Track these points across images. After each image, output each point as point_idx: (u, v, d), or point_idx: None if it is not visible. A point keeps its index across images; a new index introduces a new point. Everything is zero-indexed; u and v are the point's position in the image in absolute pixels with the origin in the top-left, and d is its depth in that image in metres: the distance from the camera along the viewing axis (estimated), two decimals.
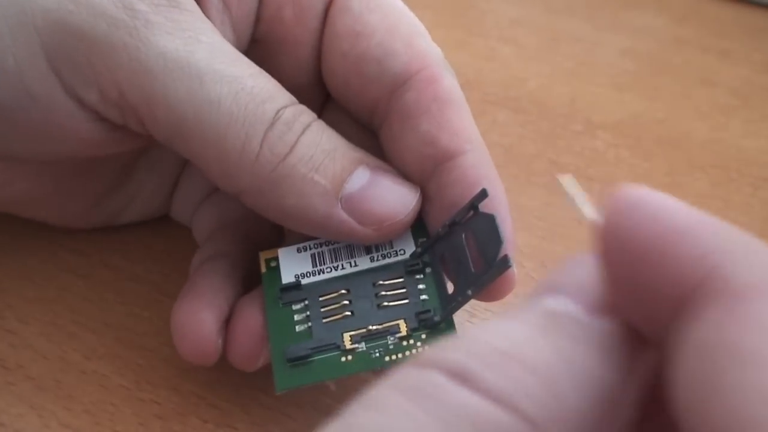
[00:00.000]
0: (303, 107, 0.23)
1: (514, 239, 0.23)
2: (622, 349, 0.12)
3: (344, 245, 0.24)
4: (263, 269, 0.24)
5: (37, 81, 0.22)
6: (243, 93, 0.21)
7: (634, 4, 0.43)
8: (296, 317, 0.23)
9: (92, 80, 0.22)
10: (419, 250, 0.23)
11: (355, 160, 0.23)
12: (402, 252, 0.23)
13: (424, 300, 0.22)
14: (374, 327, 0.22)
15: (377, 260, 0.23)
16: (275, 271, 0.24)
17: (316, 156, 0.22)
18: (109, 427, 0.24)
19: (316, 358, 0.22)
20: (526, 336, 0.12)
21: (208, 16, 0.23)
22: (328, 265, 0.23)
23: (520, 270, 0.28)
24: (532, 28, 0.42)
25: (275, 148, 0.22)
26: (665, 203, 0.12)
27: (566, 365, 0.12)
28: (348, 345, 0.22)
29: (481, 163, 0.23)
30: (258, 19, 0.24)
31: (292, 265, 0.24)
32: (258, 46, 0.25)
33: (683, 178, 0.33)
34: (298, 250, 0.24)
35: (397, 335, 0.22)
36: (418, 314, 0.22)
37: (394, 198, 0.23)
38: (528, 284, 0.27)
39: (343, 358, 0.22)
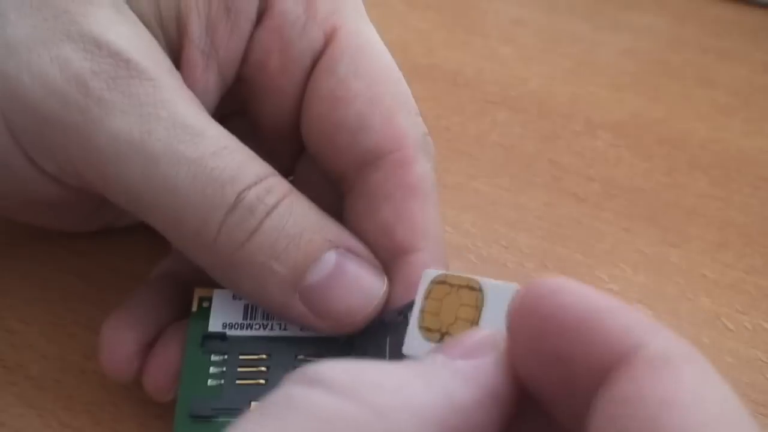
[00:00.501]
0: (274, 182, 0.21)
1: None
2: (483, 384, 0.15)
3: None
4: (194, 308, 0.23)
5: (1, 147, 0.21)
6: (202, 176, 0.20)
7: (634, 4, 0.43)
8: (212, 369, 0.22)
9: (48, 154, 0.21)
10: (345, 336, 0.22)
11: (323, 245, 0.21)
12: None
13: None
14: None
15: (306, 330, 0.22)
16: (205, 313, 0.23)
17: (278, 242, 0.21)
18: (109, 427, 0.24)
19: (219, 419, 0.21)
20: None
21: (190, 59, 0.23)
22: (258, 322, 0.23)
23: (520, 270, 0.29)
24: (532, 28, 0.42)
25: (233, 234, 0.21)
26: (584, 289, 0.14)
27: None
28: None
29: (435, 262, 0.22)
30: (244, 60, 0.24)
31: (224, 312, 0.23)
32: (243, 85, 0.24)
33: (683, 178, 0.33)
34: (234, 296, 0.23)
35: None
36: None
37: (357, 293, 0.21)
38: None
39: None
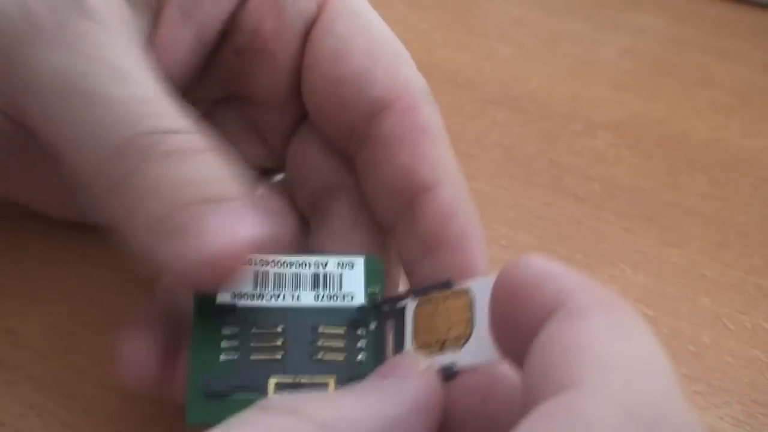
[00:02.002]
0: (180, 137, 0.21)
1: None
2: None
3: (290, 271, 0.22)
4: None
5: None
6: (110, 116, 0.20)
7: (634, 4, 0.43)
8: (224, 344, 0.21)
9: None
10: (367, 304, 0.22)
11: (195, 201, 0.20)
12: (350, 298, 0.22)
13: (360, 362, 0.21)
14: (303, 380, 0.20)
15: (322, 300, 0.22)
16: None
17: (148, 191, 0.20)
18: (109, 427, 0.24)
19: (235, 397, 0.20)
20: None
21: (168, 15, 0.23)
22: (270, 292, 0.22)
23: None
24: (532, 28, 0.42)
25: (112, 174, 0.20)
26: (542, 263, 0.17)
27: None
28: (271, 393, 0.20)
29: (458, 195, 0.22)
30: (238, 29, 0.24)
31: (232, 281, 0.22)
32: (237, 59, 0.25)
33: (683, 178, 0.33)
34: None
35: None
36: (350, 378, 0.20)
37: (213, 246, 0.20)
38: None
39: None
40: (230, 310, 0.21)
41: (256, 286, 0.22)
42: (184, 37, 0.24)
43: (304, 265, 0.22)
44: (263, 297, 0.22)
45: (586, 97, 0.37)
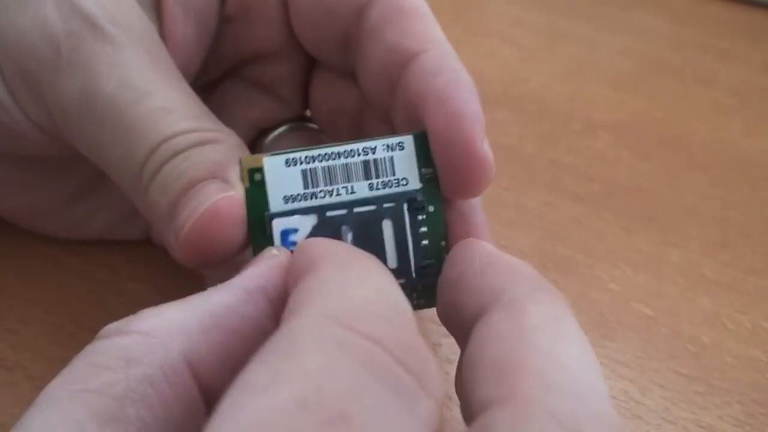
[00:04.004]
0: (196, 135, 0.21)
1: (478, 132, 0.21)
2: None
3: (340, 162, 0.21)
4: (246, 182, 0.21)
5: None
6: (132, 132, 0.21)
7: (634, 4, 0.43)
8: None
9: (32, 103, 0.23)
10: (423, 186, 0.21)
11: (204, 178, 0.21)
12: (405, 182, 0.21)
13: (424, 246, 0.21)
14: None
15: (377, 188, 0.21)
16: (260, 187, 0.21)
17: (168, 178, 0.21)
18: None
19: None
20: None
21: (167, 12, 0.23)
22: (322, 189, 0.21)
23: None
24: (532, 28, 0.42)
25: (142, 181, 0.21)
26: (483, 250, 0.19)
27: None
28: None
29: (445, 55, 0.22)
30: (225, 1, 0.25)
31: (280, 183, 0.21)
32: (230, 27, 0.25)
33: (683, 178, 0.33)
34: (286, 163, 0.21)
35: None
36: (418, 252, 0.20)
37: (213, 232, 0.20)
38: None
39: None
40: (288, 215, 0.20)
41: (307, 185, 0.21)
42: (189, 29, 0.24)
43: (352, 154, 0.21)
44: (316, 196, 0.21)
45: (585, 97, 0.37)
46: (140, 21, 0.23)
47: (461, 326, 0.18)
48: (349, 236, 0.21)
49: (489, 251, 0.19)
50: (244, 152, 0.22)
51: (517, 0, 0.43)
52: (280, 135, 0.27)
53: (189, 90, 0.23)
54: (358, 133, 0.25)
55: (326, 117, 0.26)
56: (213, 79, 0.27)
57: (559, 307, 0.17)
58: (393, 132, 0.23)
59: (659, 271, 0.29)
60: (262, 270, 0.18)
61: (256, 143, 0.27)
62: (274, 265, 0.18)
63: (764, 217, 0.31)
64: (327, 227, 0.21)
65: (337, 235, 0.21)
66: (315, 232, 0.21)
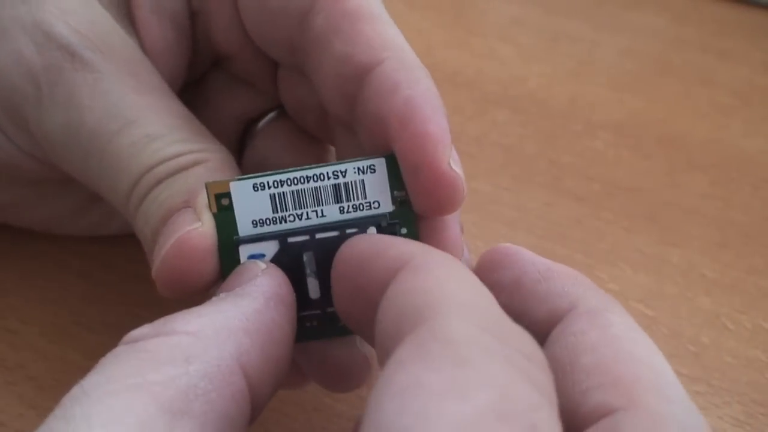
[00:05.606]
0: (180, 160, 0.21)
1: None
2: None
3: (309, 186, 0.20)
4: (213, 208, 0.20)
5: None
6: (117, 163, 0.21)
7: (634, 4, 0.43)
8: None
9: (19, 134, 0.23)
10: (395, 210, 0.20)
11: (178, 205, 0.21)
12: (376, 205, 0.20)
13: None
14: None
15: (348, 212, 0.20)
16: (229, 212, 0.20)
17: (151, 208, 0.21)
18: None
19: None
20: None
21: (143, 23, 0.23)
22: (291, 213, 0.20)
23: None
24: (532, 28, 0.42)
25: (130, 208, 0.22)
26: (530, 256, 0.19)
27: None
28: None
29: (401, 66, 0.20)
30: None
31: (249, 207, 0.20)
32: (197, 18, 0.25)
33: (683, 178, 0.33)
34: (254, 187, 0.20)
35: None
36: None
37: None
38: None
39: None
40: (254, 240, 0.20)
41: (275, 209, 0.20)
42: (167, 32, 0.24)
43: (322, 177, 0.20)
44: (285, 221, 0.20)
45: (585, 97, 0.37)
46: (119, 38, 0.23)
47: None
48: (312, 263, 0.20)
49: (535, 258, 0.19)
50: (232, 168, 0.22)
51: (516, 0, 0.43)
52: (269, 122, 0.27)
53: (176, 107, 0.22)
54: (325, 128, 0.25)
55: (294, 112, 0.26)
56: (197, 73, 0.27)
57: (629, 317, 0.18)
58: (356, 135, 0.22)
59: (659, 271, 0.29)
60: (273, 278, 0.19)
61: (246, 133, 0.27)
62: (279, 275, 0.19)
63: (764, 217, 0.31)
64: (288, 253, 0.20)
65: (299, 261, 0.20)
66: (277, 258, 0.20)
